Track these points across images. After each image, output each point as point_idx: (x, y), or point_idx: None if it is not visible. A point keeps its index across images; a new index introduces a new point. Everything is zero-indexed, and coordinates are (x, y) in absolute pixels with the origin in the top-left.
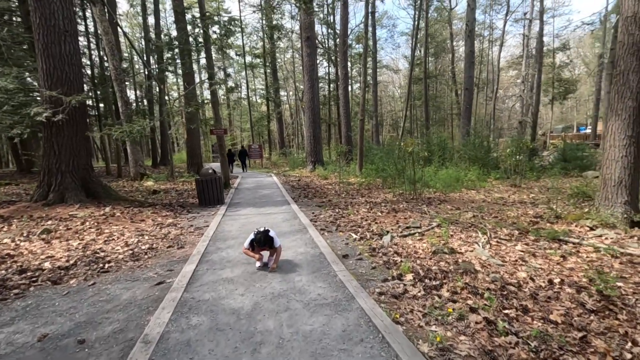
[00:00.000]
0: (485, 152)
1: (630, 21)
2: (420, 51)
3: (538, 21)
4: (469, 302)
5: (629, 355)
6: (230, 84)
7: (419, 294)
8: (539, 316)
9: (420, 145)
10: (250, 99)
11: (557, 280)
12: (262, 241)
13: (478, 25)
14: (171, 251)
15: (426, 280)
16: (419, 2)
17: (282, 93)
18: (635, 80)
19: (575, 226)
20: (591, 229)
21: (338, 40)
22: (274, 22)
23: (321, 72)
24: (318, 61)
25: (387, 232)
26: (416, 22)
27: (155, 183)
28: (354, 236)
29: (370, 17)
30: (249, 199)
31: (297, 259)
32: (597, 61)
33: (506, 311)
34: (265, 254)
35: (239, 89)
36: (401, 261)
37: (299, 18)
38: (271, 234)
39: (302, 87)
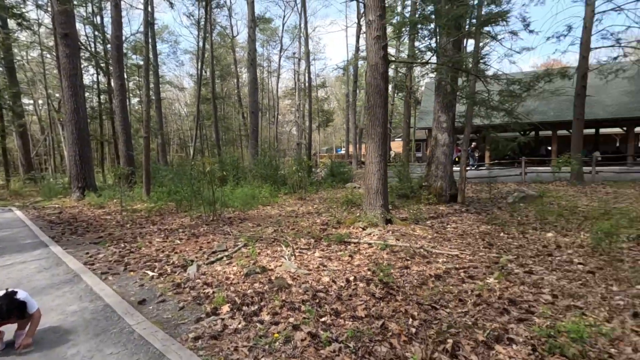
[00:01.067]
0: (274, 170)
1: (373, 69)
2: (207, 72)
3: (304, 61)
4: (291, 320)
5: (413, 330)
6: None
7: (240, 326)
8: (348, 315)
9: (214, 165)
10: None
11: (352, 278)
12: (4, 311)
13: (258, 56)
14: None
15: (244, 308)
16: (202, 23)
17: (26, 101)
18: (380, 113)
19: (353, 228)
20: (363, 229)
21: (110, 46)
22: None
23: (87, 80)
24: (83, 66)
25: (192, 261)
26: (200, 43)
27: None
28: (150, 274)
29: (150, 28)
30: None
31: (69, 322)
32: (345, 99)
33: (323, 319)
34: (10, 327)
35: None
36: (213, 292)
37: (50, 9)
38: (20, 296)
39: (58, 94)
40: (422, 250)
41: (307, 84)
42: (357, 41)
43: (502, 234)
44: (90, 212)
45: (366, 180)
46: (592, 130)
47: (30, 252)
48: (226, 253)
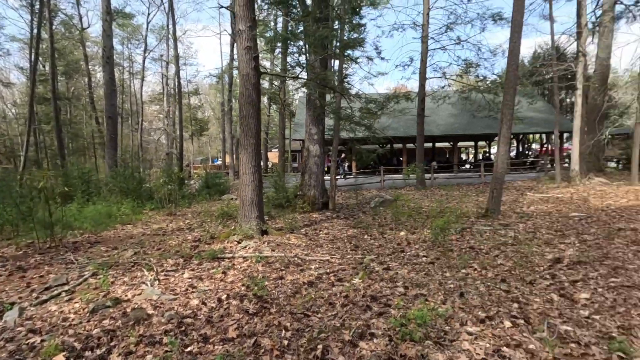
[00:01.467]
0: (138, 183)
1: (245, 79)
2: (45, 66)
3: (174, 65)
4: (149, 357)
5: (286, 342)
6: None
7: None
8: (218, 339)
9: (55, 179)
10: None
11: (224, 297)
12: None
13: (117, 55)
14: None
15: (87, 354)
16: (37, 6)
17: None
18: (253, 124)
19: (228, 243)
20: (238, 242)
21: None
22: None
23: None
24: None
25: (12, 304)
26: (35, 30)
27: None
28: None
29: None
30: None
31: None
32: (220, 107)
33: (189, 348)
34: None
35: None
36: (42, 341)
37: None
38: None
39: None
40: (296, 258)
41: (177, 90)
42: (232, 50)
43: (366, 236)
44: None
45: (241, 192)
46: (430, 144)
47: None
48: (66, 287)
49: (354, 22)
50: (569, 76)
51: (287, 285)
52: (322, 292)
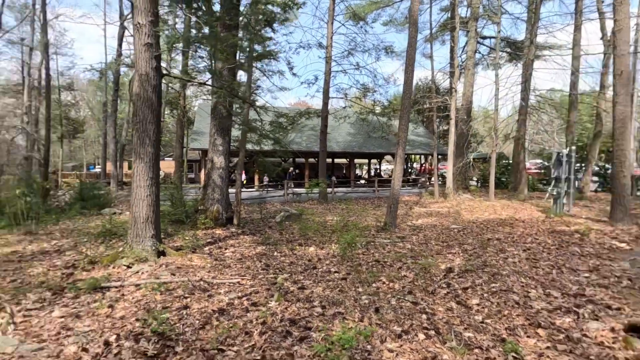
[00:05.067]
0: None
1: (144, 78)
2: None
3: (41, 53)
4: None
5: None
6: None
7: None
8: None
9: None
10: None
11: (113, 339)
12: None
13: None
14: None
15: None
16: None
17: None
18: (152, 130)
19: (113, 268)
20: (128, 267)
21: None
22: None
23: None
24: None
25: None
26: None
27: None
28: None
29: None
30: None
31: None
32: (102, 108)
33: None
34: None
35: None
36: None
37: None
38: None
39: None
40: (202, 282)
41: (44, 82)
42: (120, 45)
43: (276, 253)
44: None
45: (133, 207)
46: (330, 160)
47: None
48: None
49: (265, 34)
50: (442, 107)
51: (194, 316)
52: (235, 320)
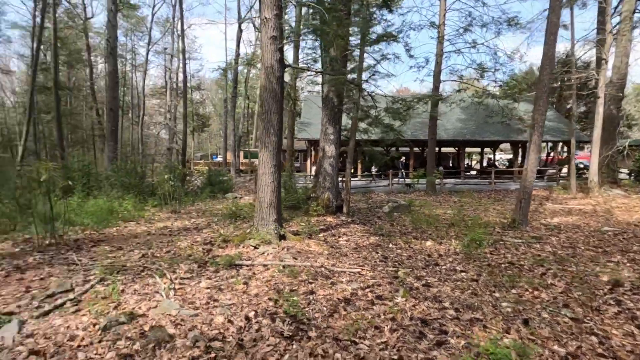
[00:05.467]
0: (140, 178)
1: (269, 71)
2: (46, 55)
3: (177, 58)
4: None
5: None
6: None
7: None
8: None
9: (56, 171)
10: None
11: (252, 314)
12: None
13: (120, 46)
14: None
15: None
16: None
17: None
18: (276, 120)
19: (243, 247)
20: (255, 247)
21: None
22: None
23: None
24: None
25: (11, 314)
26: (37, 18)
27: None
28: None
29: None
30: None
31: None
32: (223, 104)
33: None
34: None
35: None
36: None
37: None
38: None
39: None
40: (323, 269)
41: (182, 84)
42: (238, 46)
43: (391, 245)
44: None
45: (259, 193)
46: (437, 149)
47: None
48: (71, 295)
49: (382, 16)
50: (579, 85)
51: (321, 302)
52: (362, 312)
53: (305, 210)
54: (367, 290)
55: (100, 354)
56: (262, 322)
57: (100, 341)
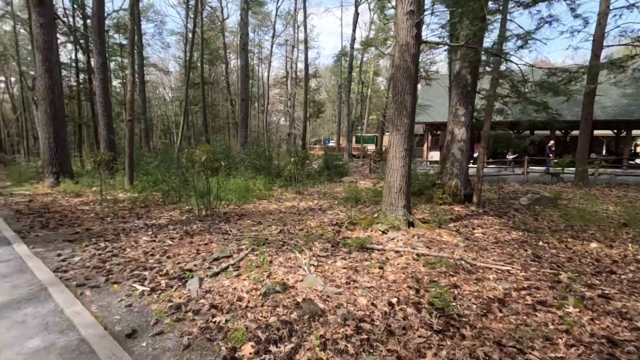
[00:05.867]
0: (268, 161)
1: (403, 49)
2: (195, 55)
3: (297, 48)
4: None
5: None
6: None
7: None
8: None
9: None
10: None
11: (394, 301)
12: None
13: (249, 42)
14: None
15: (273, 348)
16: (191, 2)
17: None
18: (409, 101)
19: (371, 231)
20: (383, 232)
21: (90, 20)
22: None
23: (64, 57)
24: (61, 42)
25: (190, 271)
26: (189, 24)
27: None
28: (140, 288)
29: (136, 4)
30: None
31: None
32: (337, 90)
33: None
34: None
35: None
36: (226, 321)
37: None
38: None
39: (32, 72)
40: (463, 262)
41: (300, 72)
42: (354, 30)
43: (540, 243)
44: (65, 201)
45: (388, 177)
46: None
47: None
48: (231, 261)
49: None
50: None
51: (468, 299)
52: (524, 317)
53: (429, 197)
54: (523, 292)
55: (264, 317)
56: (407, 311)
57: (262, 305)
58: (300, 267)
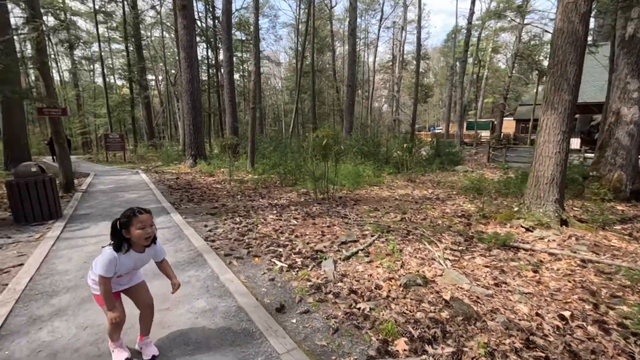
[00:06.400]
0: (376, 147)
1: (570, 8)
2: (298, 44)
3: (405, 30)
4: None
5: None
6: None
7: None
8: None
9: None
10: (107, 78)
11: (567, 315)
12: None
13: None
14: None
15: (429, 349)
16: None
17: (150, 77)
18: (573, 73)
19: (510, 227)
20: (527, 230)
21: (220, 19)
22: None
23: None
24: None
25: (321, 252)
26: (302, 17)
27: None
28: (279, 264)
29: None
30: (104, 208)
31: (199, 329)
32: (448, 71)
33: None
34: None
35: (80, 45)
36: (370, 310)
37: None
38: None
39: (174, 71)
40: None
41: (410, 55)
42: (473, 2)
43: None
44: (202, 180)
45: (536, 165)
46: None
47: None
48: (359, 246)
49: None
50: None
51: None
52: None
53: (577, 192)
54: None
55: (410, 311)
56: (589, 330)
57: (404, 297)
58: (434, 259)
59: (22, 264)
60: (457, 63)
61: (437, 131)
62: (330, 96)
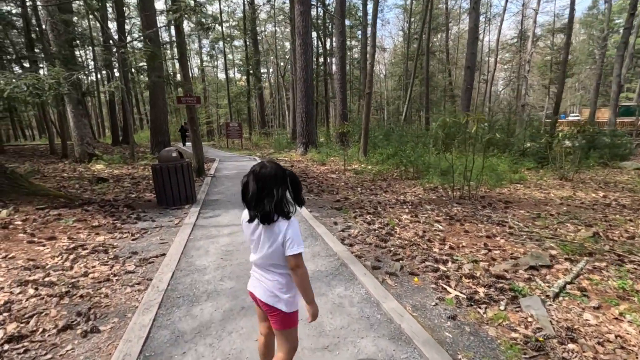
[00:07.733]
0: (509, 136)
1: None
2: (415, 26)
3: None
4: None
5: None
6: (206, 19)
7: None
8: None
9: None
10: (228, 71)
11: None
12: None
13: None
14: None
15: None
16: None
17: (261, 70)
18: None
19: None
20: None
21: (329, 6)
22: None
23: None
24: None
25: (506, 280)
26: None
27: (107, 167)
28: (452, 292)
29: None
30: (232, 194)
31: None
32: (599, 43)
33: None
34: None
35: (214, 29)
36: None
37: None
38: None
39: (283, 64)
40: None
41: (542, 28)
42: None
43: None
44: (316, 169)
45: None
46: None
47: None
48: (563, 277)
49: None
50: None
51: None
52: None
53: None
54: None
55: None
56: None
57: None
58: None
59: (164, 254)
60: (610, 31)
61: (571, 119)
62: (441, 81)
